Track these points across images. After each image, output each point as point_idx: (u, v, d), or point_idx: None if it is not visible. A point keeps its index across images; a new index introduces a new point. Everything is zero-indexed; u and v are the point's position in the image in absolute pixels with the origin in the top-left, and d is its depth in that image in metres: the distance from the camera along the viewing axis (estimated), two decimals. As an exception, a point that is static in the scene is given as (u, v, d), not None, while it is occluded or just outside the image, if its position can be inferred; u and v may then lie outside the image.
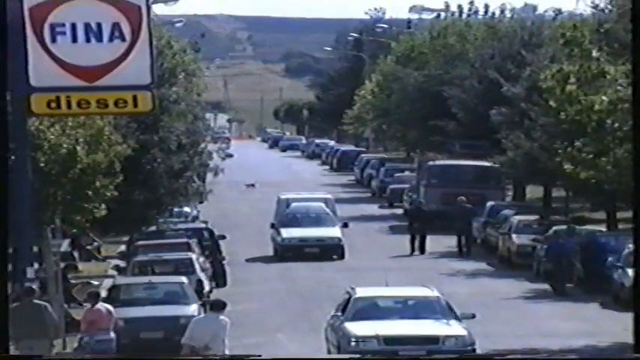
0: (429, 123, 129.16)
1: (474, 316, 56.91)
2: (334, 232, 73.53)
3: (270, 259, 73.84)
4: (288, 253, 72.06)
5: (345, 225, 78.21)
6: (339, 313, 56.02)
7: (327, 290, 63.85)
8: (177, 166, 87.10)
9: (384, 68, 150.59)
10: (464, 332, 53.45)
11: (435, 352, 52.26)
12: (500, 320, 63.91)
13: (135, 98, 62.41)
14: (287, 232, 72.84)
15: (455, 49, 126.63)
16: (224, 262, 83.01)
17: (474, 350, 53.00)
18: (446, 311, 56.18)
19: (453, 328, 54.12)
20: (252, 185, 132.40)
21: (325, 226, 73.16)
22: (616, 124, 69.95)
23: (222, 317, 50.36)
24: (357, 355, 51.72)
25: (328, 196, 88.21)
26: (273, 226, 77.62)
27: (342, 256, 73.54)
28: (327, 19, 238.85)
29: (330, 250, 71.55)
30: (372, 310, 56.04)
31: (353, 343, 52.59)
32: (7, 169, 19.94)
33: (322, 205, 78.64)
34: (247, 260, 77.14)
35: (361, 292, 58.50)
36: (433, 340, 53.20)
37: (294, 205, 78.57)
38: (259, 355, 10.82)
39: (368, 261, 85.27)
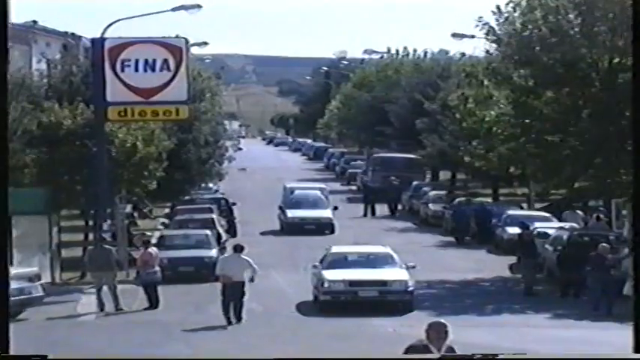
0: (374, 128, 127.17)
1: (414, 267, 56.45)
2: (327, 213, 73.90)
3: (277, 233, 72.74)
4: (291, 228, 71.77)
5: (335, 208, 77.48)
6: (318, 264, 56.14)
7: (314, 250, 61.78)
8: (204, 156, 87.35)
9: (344, 91, 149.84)
10: (406, 277, 53.60)
11: (385, 292, 53.40)
12: (421, 261, 61.16)
13: (177, 110, 64.33)
14: (291, 213, 72.85)
15: (393, 79, 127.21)
16: (235, 220, 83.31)
17: (412, 292, 53.17)
18: (395, 262, 56.28)
19: (398, 274, 54.33)
20: (244, 169, 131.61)
21: (320, 209, 73.87)
22: (499, 131, 71.39)
23: (242, 256, 52.12)
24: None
25: (323, 186, 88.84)
26: (280, 208, 75.93)
27: (332, 232, 72.85)
28: (307, 57, 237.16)
29: (324, 227, 71.66)
30: (341, 262, 56.05)
31: (326, 285, 53.30)
32: (7, 171, 14.90)
33: (318, 192, 79.01)
34: (261, 233, 74.88)
35: (335, 249, 59.30)
36: (383, 283, 53.80)
37: (297, 192, 78.15)
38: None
39: (337, 220, 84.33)
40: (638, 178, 6.27)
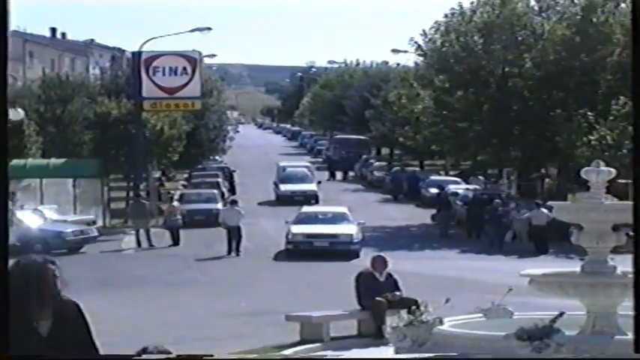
0: (335, 117, 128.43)
1: (364, 223, 55.78)
2: (313, 187, 70.65)
3: (272, 203, 69.12)
4: (284, 199, 68.31)
5: (319, 182, 74.34)
6: (291, 220, 55.53)
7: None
8: (212, 137, 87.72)
9: (313, 91, 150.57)
10: (353, 232, 52.70)
11: (334, 242, 52.53)
12: (367, 213, 61.56)
13: (193, 103, 65.72)
14: (284, 187, 70.13)
15: (348, 82, 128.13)
16: (235, 182, 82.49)
17: (357, 243, 52.66)
18: (348, 220, 55.59)
19: (347, 229, 53.61)
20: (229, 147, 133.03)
21: (307, 183, 70.90)
22: (424, 119, 71.39)
23: (237, 208, 53.67)
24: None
25: (309, 164, 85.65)
26: (275, 183, 72.38)
27: (317, 202, 67.90)
28: (287, 65, 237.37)
29: (310, 198, 67.98)
30: (306, 219, 55.32)
31: (290, 236, 52.70)
32: (6, 166, 7.90)
33: (306, 170, 76.04)
34: (259, 204, 70.51)
35: (304, 209, 59.02)
36: (333, 236, 53.10)
37: (288, 169, 75.35)
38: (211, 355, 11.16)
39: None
40: (638, 178, 5.61)
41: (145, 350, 7.81)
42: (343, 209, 59.26)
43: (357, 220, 56.06)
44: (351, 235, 53.58)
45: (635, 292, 7.16)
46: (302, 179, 70.11)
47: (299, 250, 53.07)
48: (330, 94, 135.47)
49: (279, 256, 51.66)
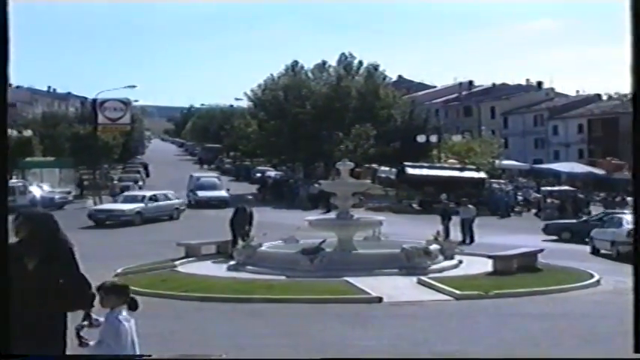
0: (204, 135, 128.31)
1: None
2: (224, 193, 55.76)
3: (191, 206, 52.68)
4: (202, 204, 53.51)
5: (228, 190, 58.05)
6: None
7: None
8: (136, 145, 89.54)
9: (193, 120, 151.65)
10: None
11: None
12: (224, 185, 59.97)
13: (125, 127, 67.48)
14: (201, 193, 56.10)
15: (212, 114, 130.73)
16: (149, 170, 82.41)
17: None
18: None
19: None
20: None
21: (219, 190, 56.75)
22: (253, 136, 74.57)
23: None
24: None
25: (218, 174, 69.74)
26: (191, 190, 57.39)
27: (227, 206, 47.53)
28: (177, 106, 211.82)
29: (223, 202, 51.15)
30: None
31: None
32: (7, 171, 5.32)
33: (215, 179, 61.08)
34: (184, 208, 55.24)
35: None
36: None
37: (202, 179, 60.72)
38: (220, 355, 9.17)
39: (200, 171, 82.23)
40: (638, 178, 4.82)
41: (102, 286, 6.53)
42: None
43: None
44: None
45: (634, 291, 5.18)
46: (214, 187, 57.93)
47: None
48: (202, 122, 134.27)
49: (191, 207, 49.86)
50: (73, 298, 6.45)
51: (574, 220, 39.28)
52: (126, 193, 48.86)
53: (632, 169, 5.25)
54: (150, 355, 6.82)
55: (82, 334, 6.44)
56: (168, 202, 46.35)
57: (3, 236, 5.17)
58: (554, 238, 36.57)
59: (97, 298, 6.49)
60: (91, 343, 6.37)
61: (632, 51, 4.91)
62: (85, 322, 6.51)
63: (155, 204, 44.57)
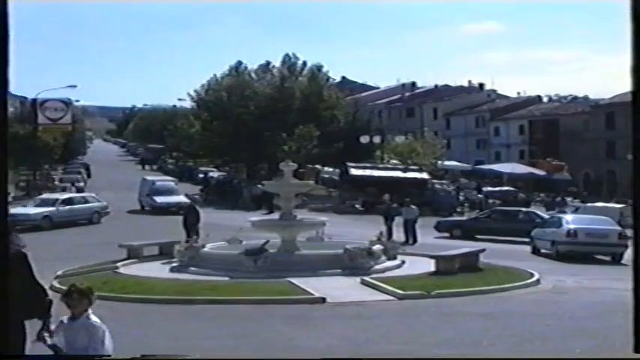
0: (147, 135, 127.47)
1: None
2: (183, 198, 49.11)
3: (148, 212, 50.68)
4: (160, 210, 48.92)
5: (186, 195, 50.35)
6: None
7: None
8: (77, 146, 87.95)
9: (134, 121, 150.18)
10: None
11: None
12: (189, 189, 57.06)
13: (67, 127, 67.46)
14: (160, 199, 51.61)
15: (154, 115, 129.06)
16: (90, 170, 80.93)
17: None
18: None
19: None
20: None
21: (177, 195, 51.60)
22: (196, 137, 74.75)
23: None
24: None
25: (174, 179, 63.73)
26: (147, 194, 53.34)
27: None
28: (119, 106, 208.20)
29: (181, 208, 41.24)
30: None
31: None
32: (6, 171, 5.03)
33: (172, 184, 56.89)
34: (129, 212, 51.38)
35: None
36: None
37: (157, 183, 55.80)
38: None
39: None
40: (637, 178, 4.60)
41: (75, 290, 6.33)
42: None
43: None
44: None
45: (634, 291, 5.12)
46: (172, 192, 53.49)
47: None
48: (144, 122, 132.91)
49: (131, 212, 49.38)
50: (30, 306, 6.26)
51: (464, 218, 39.94)
52: (42, 196, 47.06)
53: (633, 169, 5.27)
54: (109, 356, 6.66)
55: (49, 343, 6.27)
56: (86, 205, 44.74)
57: (3, 237, 5.05)
58: (446, 235, 37.68)
59: (69, 302, 6.33)
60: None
61: (632, 51, 4.88)
62: (46, 334, 6.38)
63: (68, 207, 42.95)
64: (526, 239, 33.30)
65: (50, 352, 6.32)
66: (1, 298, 4.99)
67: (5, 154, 5.11)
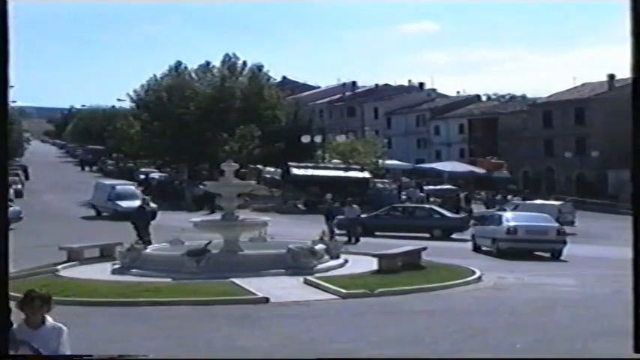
0: (86, 137, 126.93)
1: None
2: (151, 204, 42.02)
3: (112, 218, 47.90)
4: (125, 215, 38.64)
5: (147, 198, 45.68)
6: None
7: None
8: (14, 147, 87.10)
9: (73, 122, 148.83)
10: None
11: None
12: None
13: None
14: (124, 204, 47.90)
15: (94, 116, 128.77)
16: (28, 172, 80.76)
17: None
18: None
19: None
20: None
21: (139, 199, 40.42)
22: (137, 137, 74.28)
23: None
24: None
25: (134, 183, 63.51)
26: (110, 199, 51.10)
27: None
28: (58, 107, 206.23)
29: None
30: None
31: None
32: (7, 171, 5.58)
33: (133, 187, 55.39)
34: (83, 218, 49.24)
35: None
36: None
37: (118, 187, 53.30)
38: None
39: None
40: (637, 177, 5.11)
41: (36, 296, 6.22)
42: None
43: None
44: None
45: (634, 291, 5.13)
46: (134, 196, 49.86)
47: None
48: (83, 123, 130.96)
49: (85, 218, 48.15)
50: None
51: (365, 215, 39.89)
52: None
53: (632, 169, 5.33)
54: (91, 355, 6.65)
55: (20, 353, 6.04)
56: None
57: (3, 233, 4.95)
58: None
59: (29, 309, 6.19)
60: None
61: (632, 50, 5.02)
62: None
63: None
64: (426, 234, 36.28)
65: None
66: (1, 297, 4.94)
67: (6, 154, 5.04)
